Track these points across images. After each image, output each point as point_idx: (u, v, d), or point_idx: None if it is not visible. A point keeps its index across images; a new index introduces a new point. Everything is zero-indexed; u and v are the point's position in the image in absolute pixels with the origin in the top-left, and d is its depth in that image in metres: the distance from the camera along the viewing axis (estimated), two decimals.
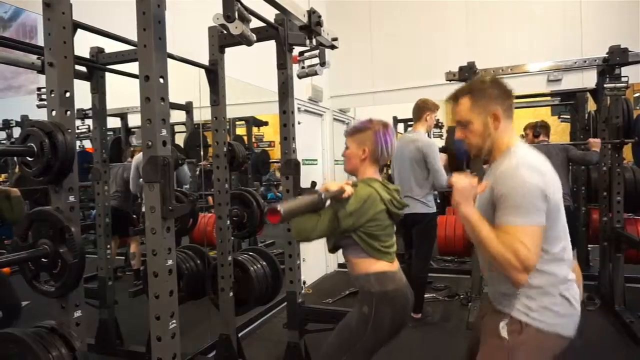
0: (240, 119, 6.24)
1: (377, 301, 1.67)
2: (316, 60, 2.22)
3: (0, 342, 1.48)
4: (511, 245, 1.23)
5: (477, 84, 1.45)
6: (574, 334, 1.35)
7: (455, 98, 1.48)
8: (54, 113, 1.57)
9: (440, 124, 8.85)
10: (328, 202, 1.66)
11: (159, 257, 1.46)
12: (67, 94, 1.61)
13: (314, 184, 2.76)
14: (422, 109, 3.60)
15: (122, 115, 4.92)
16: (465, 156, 3.84)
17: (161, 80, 1.46)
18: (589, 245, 4.78)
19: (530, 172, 1.28)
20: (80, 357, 1.50)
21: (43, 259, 1.53)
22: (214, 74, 2.56)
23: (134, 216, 4.26)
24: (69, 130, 1.54)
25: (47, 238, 1.54)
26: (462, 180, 1.34)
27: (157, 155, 1.43)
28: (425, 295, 4.14)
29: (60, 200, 1.58)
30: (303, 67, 2.27)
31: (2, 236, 3.65)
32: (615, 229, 3.55)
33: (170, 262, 1.48)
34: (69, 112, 1.60)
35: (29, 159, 1.53)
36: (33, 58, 2.73)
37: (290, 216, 1.49)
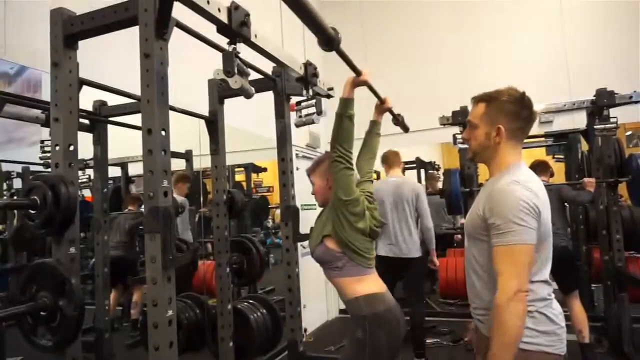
0: (239, 165, 6.32)
1: (370, 324, 1.67)
2: (313, 109, 2.29)
3: None
4: (502, 283, 1.25)
5: (500, 94, 1.44)
6: (563, 351, 1.32)
7: (476, 100, 1.49)
8: (58, 166, 1.61)
9: (437, 167, 8.95)
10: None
11: (160, 308, 1.45)
12: (71, 148, 1.66)
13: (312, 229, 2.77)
14: (398, 155, 3.86)
15: (123, 165, 4.99)
16: (462, 198, 3.88)
17: (163, 132, 1.51)
18: (593, 285, 4.72)
19: (523, 190, 1.29)
20: None
21: (42, 312, 1.52)
22: (214, 124, 2.63)
23: (141, 264, 4.25)
24: (72, 182, 1.58)
25: (46, 290, 1.53)
26: None
27: (159, 206, 1.46)
28: (429, 341, 4.07)
29: (61, 251, 1.59)
30: (300, 116, 2.34)
31: None
32: (617, 268, 3.53)
33: (170, 312, 1.47)
34: (72, 165, 1.64)
35: (32, 211, 1.55)
36: (37, 112, 2.82)
37: None
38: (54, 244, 1.61)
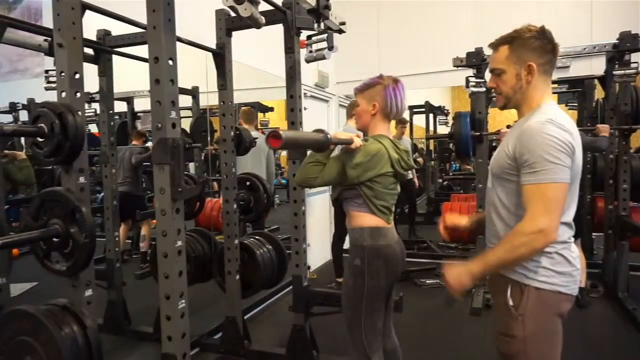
0: (246, 104, 6.24)
1: (369, 254, 1.70)
2: (324, 45, 2.21)
3: (13, 319, 1.51)
4: (514, 241, 1.25)
5: (521, 32, 1.38)
6: (576, 292, 1.35)
7: (496, 45, 1.43)
8: (63, 94, 1.58)
9: (446, 111, 8.81)
10: (336, 150, 1.70)
11: (169, 238, 1.48)
12: (77, 76, 1.62)
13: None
14: (351, 106, 3.87)
15: (129, 100, 4.94)
16: (471, 143, 3.83)
17: (170, 62, 1.47)
18: (593, 234, 4.78)
19: (558, 129, 1.25)
20: (91, 335, 1.53)
21: (55, 239, 1.55)
22: (221, 57, 2.56)
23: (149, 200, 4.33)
24: (79, 112, 1.55)
25: (58, 218, 1.56)
26: (451, 273, 1.34)
27: (167, 137, 1.44)
28: (429, 281, 4.20)
29: (71, 181, 1.59)
30: (311, 52, 2.26)
31: (10, 218, 3.71)
32: (621, 217, 3.55)
33: (179, 243, 1.50)
34: (78, 94, 1.61)
35: (40, 139, 1.54)
36: (40, 40, 2.74)
37: (291, 145, 1.45)
38: (63, 173, 1.61)
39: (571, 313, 1.40)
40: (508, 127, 1.31)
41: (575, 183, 1.34)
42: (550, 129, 1.24)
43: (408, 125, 6.74)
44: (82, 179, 1.62)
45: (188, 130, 4.42)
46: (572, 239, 1.37)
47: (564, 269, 1.32)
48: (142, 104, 5.09)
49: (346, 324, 1.79)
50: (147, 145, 4.41)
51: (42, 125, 1.52)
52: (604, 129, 3.45)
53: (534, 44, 1.34)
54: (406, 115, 7.61)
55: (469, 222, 1.71)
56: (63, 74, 1.59)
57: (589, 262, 4.35)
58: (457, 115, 3.90)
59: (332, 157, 1.72)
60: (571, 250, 1.35)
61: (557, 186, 1.23)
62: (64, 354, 1.42)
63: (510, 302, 1.33)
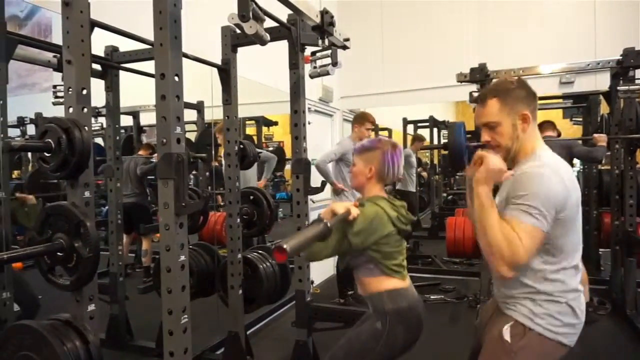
0: (250, 118, 6.28)
1: (391, 319, 1.66)
2: (328, 60, 2.23)
3: (16, 334, 1.51)
4: (508, 236, 1.24)
5: (503, 85, 1.43)
6: (573, 344, 1.36)
7: (482, 99, 1.45)
8: (71, 110, 1.60)
9: (448, 124, 8.82)
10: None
11: (172, 252, 1.48)
12: (84, 91, 1.64)
13: (324, 183, 2.77)
14: (353, 121, 4.00)
15: (135, 114, 4.98)
16: (466, 153, 3.78)
17: (176, 78, 1.49)
18: (600, 250, 4.74)
19: (553, 176, 1.28)
20: (93, 350, 1.53)
21: (59, 253, 1.56)
22: (227, 73, 2.59)
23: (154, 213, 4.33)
24: (86, 127, 1.57)
25: (63, 232, 1.56)
26: (495, 160, 1.32)
27: (172, 153, 1.45)
28: (433, 297, 4.16)
29: (76, 195, 1.60)
30: (315, 67, 2.29)
31: (14, 232, 3.74)
32: (628, 233, 3.52)
33: (182, 257, 1.50)
34: (85, 109, 1.63)
35: (47, 154, 1.56)
36: (49, 56, 2.79)
37: (297, 251, 1.47)
38: (68, 188, 1.63)
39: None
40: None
41: (576, 224, 1.35)
42: (545, 174, 1.28)
43: (424, 140, 6.78)
44: (87, 194, 1.63)
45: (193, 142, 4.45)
46: (580, 287, 1.37)
47: (570, 321, 1.33)
48: (148, 118, 5.14)
49: (337, 350, 1.75)
50: (153, 156, 4.43)
51: (49, 140, 1.54)
52: (601, 139, 3.42)
53: (521, 94, 1.40)
54: (410, 129, 7.64)
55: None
56: (71, 89, 1.61)
57: (596, 278, 4.31)
58: (450, 125, 3.85)
59: (335, 229, 1.65)
60: (580, 301, 1.36)
61: (535, 230, 1.25)
62: None
63: (507, 338, 1.33)
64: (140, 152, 4.50)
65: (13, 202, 2.76)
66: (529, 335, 1.32)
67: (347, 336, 1.79)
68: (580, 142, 3.57)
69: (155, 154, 4.44)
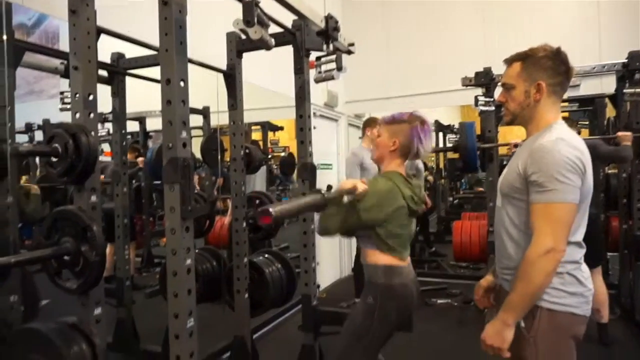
0: (256, 123, 6.30)
1: (382, 293, 1.69)
2: (333, 65, 2.24)
3: (23, 337, 1.53)
4: (537, 239, 1.23)
5: (534, 50, 1.39)
6: (589, 313, 1.33)
7: (510, 61, 1.45)
8: (77, 115, 1.62)
9: (455, 130, 8.81)
10: (345, 198, 1.69)
11: (178, 256, 1.49)
12: (91, 97, 1.66)
13: (329, 187, 2.78)
14: (363, 125, 4.00)
15: (141, 119, 5.02)
16: (479, 156, 3.75)
17: (182, 83, 1.50)
18: (608, 254, 4.69)
19: (569, 148, 1.25)
20: (99, 354, 1.54)
21: (66, 257, 1.57)
22: (232, 78, 2.61)
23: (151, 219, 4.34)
24: (92, 132, 1.59)
25: (69, 236, 1.58)
26: (490, 335, 1.33)
27: (177, 157, 1.47)
28: (440, 301, 4.14)
29: (83, 199, 1.62)
30: (320, 72, 2.30)
31: (23, 236, 3.78)
32: (636, 237, 3.49)
33: (189, 261, 1.51)
34: (92, 115, 1.65)
35: (54, 159, 1.58)
36: (56, 63, 2.83)
37: (283, 217, 1.46)
38: (75, 192, 1.64)
39: (587, 337, 1.37)
40: (516, 145, 1.29)
41: (586, 202, 1.33)
42: (561, 147, 1.25)
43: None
44: (93, 198, 1.65)
45: (199, 149, 4.47)
46: (582, 259, 1.35)
47: (576, 290, 1.30)
48: (154, 124, 5.18)
49: (340, 345, 1.78)
50: (138, 160, 4.41)
51: (57, 145, 1.56)
52: (625, 137, 3.14)
53: (546, 64, 1.35)
54: None
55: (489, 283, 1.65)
56: (77, 95, 1.63)
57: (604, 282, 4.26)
58: (461, 125, 3.78)
59: (346, 205, 1.70)
60: (582, 270, 1.34)
61: (565, 206, 1.23)
62: None
63: (522, 324, 1.31)
64: (128, 155, 4.49)
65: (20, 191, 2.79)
66: (539, 314, 1.29)
67: (345, 324, 1.81)
68: (602, 141, 3.37)
69: (141, 158, 4.43)
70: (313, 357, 2.51)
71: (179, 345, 1.52)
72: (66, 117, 1.71)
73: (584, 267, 1.35)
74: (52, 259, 1.60)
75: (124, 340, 2.98)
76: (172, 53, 1.46)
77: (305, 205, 1.53)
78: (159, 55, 1.49)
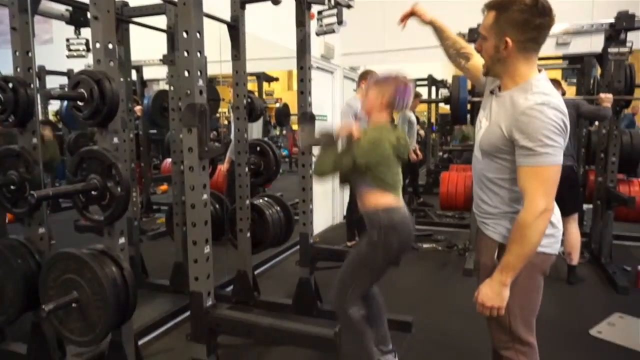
0: (251, 74, 6.33)
1: (386, 230, 1.91)
2: (333, 19, 2.35)
3: (61, 260, 1.74)
4: (531, 202, 1.27)
5: (510, 3, 1.29)
6: (557, 251, 1.45)
7: (487, 7, 1.37)
8: (99, 63, 1.76)
9: (448, 85, 8.89)
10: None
11: (196, 191, 1.68)
12: (110, 46, 1.79)
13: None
14: (359, 78, 4.10)
15: (138, 68, 5.06)
16: (469, 109, 3.85)
17: (198, 35, 1.64)
18: (585, 205, 4.97)
19: (555, 111, 1.26)
20: (127, 276, 1.76)
21: (93, 192, 1.75)
22: (235, 29, 2.70)
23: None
24: (114, 79, 1.73)
25: (96, 174, 1.75)
26: (486, 294, 1.36)
27: (195, 103, 1.63)
28: (425, 246, 4.45)
29: (107, 141, 1.78)
30: (321, 25, 2.41)
31: (56, 177, 4.25)
32: (608, 188, 3.75)
33: (205, 196, 1.71)
34: (112, 63, 1.78)
35: (80, 103, 1.73)
36: (62, 9, 2.90)
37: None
38: (99, 135, 1.80)
39: (556, 276, 1.50)
40: (492, 92, 1.30)
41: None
42: (547, 112, 1.25)
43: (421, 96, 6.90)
44: (116, 139, 1.81)
45: None
46: (555, 203, 1.42)
47: (549, 231, 1.36)
48: (151, 73, 5.23)
49: (341, 275, 2.01)
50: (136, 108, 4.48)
51: (82, 90, 1.71)
52: (606, 99, 3.38)
53: (518, 18, 1.28)
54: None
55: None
56: (98, 44, 1.76)
57: None
58: (454, 79, 3.87)
59: (341, 149, 1.95)
60: (555, 213, 1.41)
61: (553, 168, 1.28)
62: (107, 290, 1.65)
63: (497, 261, 1.39)
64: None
65: None
66: None
67: (347, 259, 2.05)
68: (585, 101, 3.57)
69: (138, 107, 4.48)
70: (309, 289, 2.78)
71: (197, 268, 1.74)
72: (64, 64, 1.79)
73: (556, 209, 1.43)
74: (81, 195, 1.79)
75: (134, 274, 3.21)
76: (189, 6, 1.59)
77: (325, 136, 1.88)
78: (177, 9, 1.62)
